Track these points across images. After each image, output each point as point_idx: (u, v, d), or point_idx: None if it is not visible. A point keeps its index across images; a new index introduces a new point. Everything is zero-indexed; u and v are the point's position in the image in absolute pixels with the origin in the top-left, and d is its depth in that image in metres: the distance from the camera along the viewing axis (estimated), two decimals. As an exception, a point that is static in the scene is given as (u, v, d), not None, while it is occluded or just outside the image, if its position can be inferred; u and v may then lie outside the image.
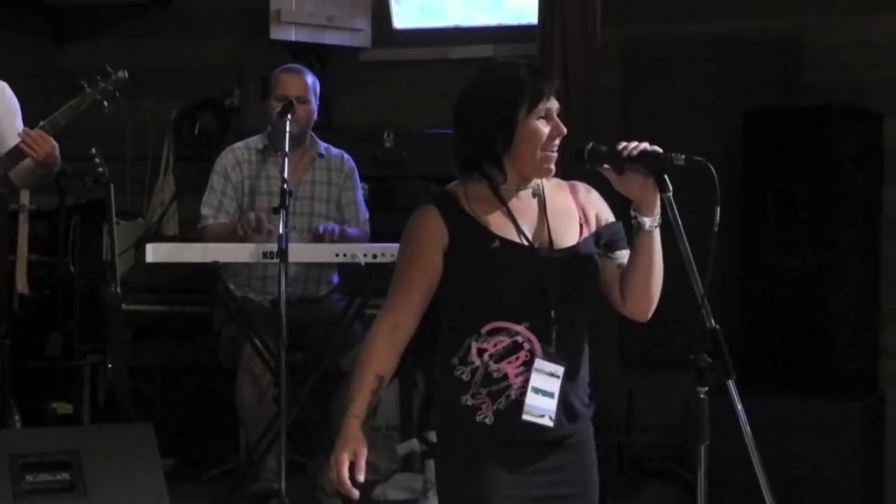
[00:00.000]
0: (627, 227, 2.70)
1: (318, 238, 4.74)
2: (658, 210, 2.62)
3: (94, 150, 4.76)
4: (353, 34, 6.10)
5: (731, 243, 4.97)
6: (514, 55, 5.45)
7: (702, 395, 2.62)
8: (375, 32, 6.18)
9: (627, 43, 5.70)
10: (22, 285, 5.43)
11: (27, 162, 4.23)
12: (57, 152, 4.30)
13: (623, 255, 2.72)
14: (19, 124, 4.37)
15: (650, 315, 2.73)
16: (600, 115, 5.16)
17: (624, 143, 2.62)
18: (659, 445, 5.36)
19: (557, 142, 2.66)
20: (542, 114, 2.64)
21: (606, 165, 2.66)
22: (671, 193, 2.62)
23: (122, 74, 4.35)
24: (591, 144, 2.70)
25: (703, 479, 2.64)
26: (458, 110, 2.69)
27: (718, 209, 2.59)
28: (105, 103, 4.33)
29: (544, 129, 2.64)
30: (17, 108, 4.42)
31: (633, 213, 2.65)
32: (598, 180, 2.74)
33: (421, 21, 6.43)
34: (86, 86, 4.31)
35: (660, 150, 2.62)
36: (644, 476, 5.23)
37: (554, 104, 2.66)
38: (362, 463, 2.61)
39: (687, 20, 5.64)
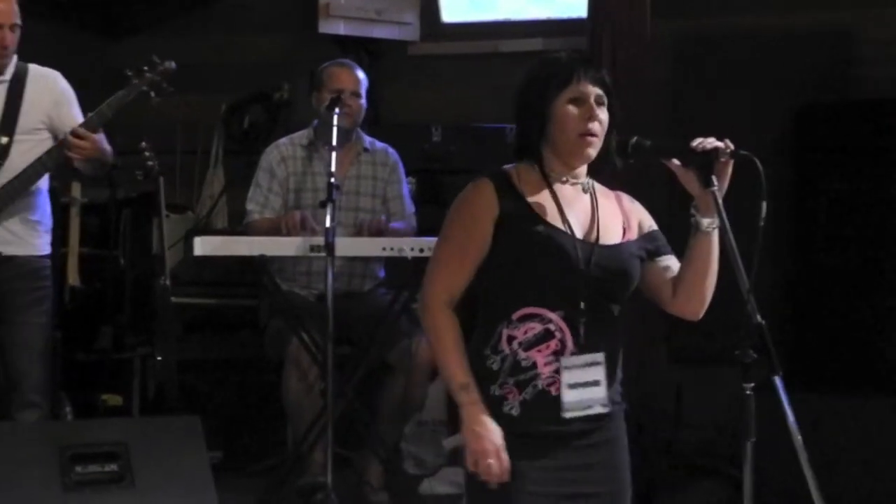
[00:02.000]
0: (686, 225, 2.67)
1: (358, 231, 4.73)
2: (716, 212, 2.58)
3: (144, 144, 4.76)
4: (402, 28, 6.10)
5: (781, 240, 4.92)
6: (564, 48, 5.41)
7: (747, 392, 2.59)
8: (424, 26, 6.18)
9: (677, 36, 5.66)
10: (73, 278, 5.48)
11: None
12: (103, 144, 4.32)
13: (667, 259, 2.73)
14: (77, 113, 4.38)
15: (701, 315, 2.72)
16: (648, 110, 5.12)
17: (699, 139, 2.60)
18: (708, 442, 5.30)
19: (593, 126, 2.63)
20: (573, 96, 2.63)
21: (676, 161, 2.63)
22: (716, 188, 2.59)
23: (170, 65, 4.35)
24: (635, 139, 2.69)
25: (750, 476, 2.62)
26: (514, 102, 2.72)
27: (765, 204, 2.55)
28: (152, 94, 4.34)
29: (573, 111, 2.63)
30: (72, 96, 4.42)
31: (692, 212, 2.64)
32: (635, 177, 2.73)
33: (471, 14, 6.42)
34: (133, 77, 4.32)
35: (732, 145, 2.59)
36: (693, 474, 5.16)
37: (592, 90, 2.64)
38: (503, 449, 2.56)
39: (737, 13, 5.59)
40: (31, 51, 5.20)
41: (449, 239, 2.67)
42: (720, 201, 2.59)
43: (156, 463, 3.91)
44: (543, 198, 2.65)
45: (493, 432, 2.55)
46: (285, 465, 4.77)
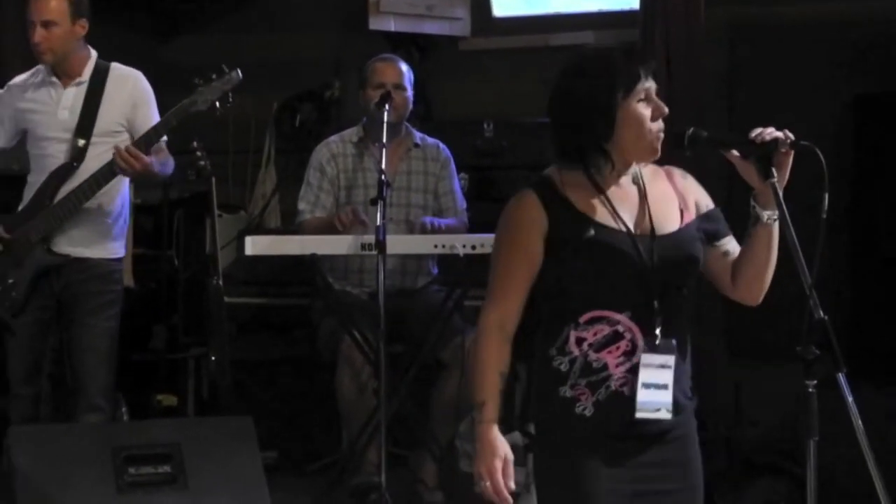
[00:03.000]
0: (745, 215, 2.61)
1: (412, 229, 4.71)
2: (776, 204, 2.52)
3: (195, 144, 4.75)
4: (452, 23, 6.07)
5: (840, 232, 4.82)
6: (616, 41, 5.36)
7: (810, 389, 2.52)
8: (475, 21, 6.14)
9: (732, 25, 5.56)
10: (128, 279, 5.47)
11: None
12: (156, 167, 4.23)
13: (727, 242, 2.66)
14: (154, 114, 4.34)
15: (760, 300, 2.67)
16: (704, 101, 5.05)
17: (758, 130, 2.54)
18: (768, 440, 5.22)
19: (661, 123, 2.59)
20: (641, 95, 2.57)
21: (735, 152, 2.57)
22: (776, 180, 2.52)
23: (236, 75, 4.24)
24: (691, 130, 2.63)
25: (813, 475, 2.55)
26: (553, 99, 2.62)
27: (827, 196, 2.49)
28: (217, 104, 4.24)
29: (645, 111, 2.57)
30: (151, 98, 4.38)
31: (752, 203, 2.58)
32: (691, 168, 2.67)
33: (521, 9, 6.36)
34: (199, 85, 4.23)
35: (792, 136, 2.52)
36: (753, 471, 5.08)
37: (652, 84, 2.59)
38: (511, 470, 2.57)
39: (794, 0, 5.47)
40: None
41: (497, 261, 2.63)
42: (780, 193, 2.53)
43: (209, 464, 3.91)
44: (592, 199, 2.59)
45: (495, 454, 2.55)
46: (339, 465, 4.76)
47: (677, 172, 2.71)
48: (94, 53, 4.39)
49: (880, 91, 5.11)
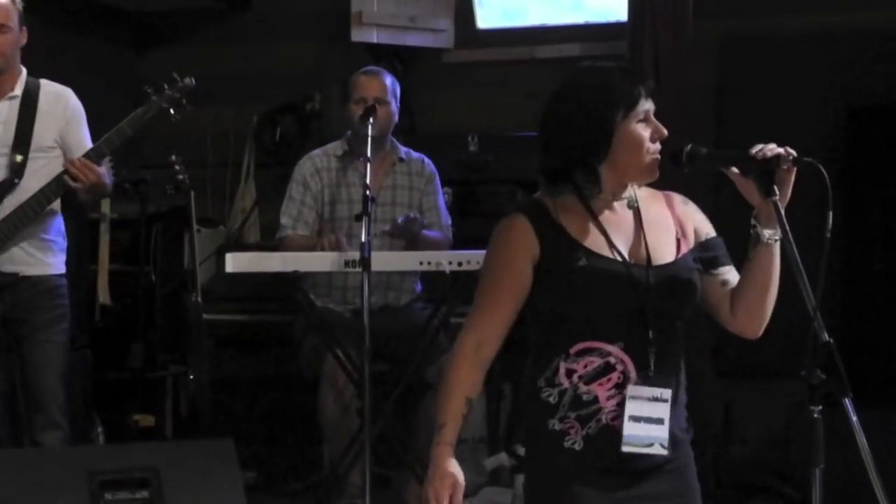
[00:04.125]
0: (746, 237, 2.52)
1: (396, 228, 4.62)
2: (778, 222, 2.44)
3: (174, 157, 4.71)
4: (436, 35, 6.01)
5: (832, 248, 4.74)
6: (602, 53, 5.29)
7: (815, 415, 2.42)
8: (459, 33, 6.09)
9: (721, 37, 5.50)
10: (104, 296, 5.43)
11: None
12: (106, 179, 4.24)
13: (726, 272, 2.58)
14: (86, 133, 4.31)
15: (761, 333, 2.57)
16: (693, 114, 4.99)
17: (759, 146, 2.45)
18: (759, 459, 5.16)
19: (659, 145, 2.51)
20: (641, 116, 2.49)
21: (735, 169, 2.49)
22: (777, 198, 2.45)
23: (189, 81, 4.26)
24: (689, 146, 2.55)
25: (818, 504, 2.44)
26: (546, 118, 2.54)
27: (831, 214, 2.42)
28: (172, 111, 4.25)
29: (644, 132, 2.49)
30: (83, 116, 4.34)
31: (752, 223, 2.50)
32: (689, 188, 2.61)
33: (506, 21, 6.31)
34: (152, 94, 4.23)
35: (794, 152, 2.45)
36: (744, 492, 5.03)
37: (651, 105, 2.51)
38: (460, 497, 2.48)
39: (784, 12, 5.45)
40: (59, 63, 5.13)
41: (483, 283, 2.54)
42: (782, 211, 2.45)
43: (188, 489, 3.81)
44: (585, 225, 2.50)
45: (445, 478, 2.45)
46: (322, 487, 4.69)
47: (678, 198, 2.63)
48: (23, 69, 4.31)
49: (872, 103, 5.05)
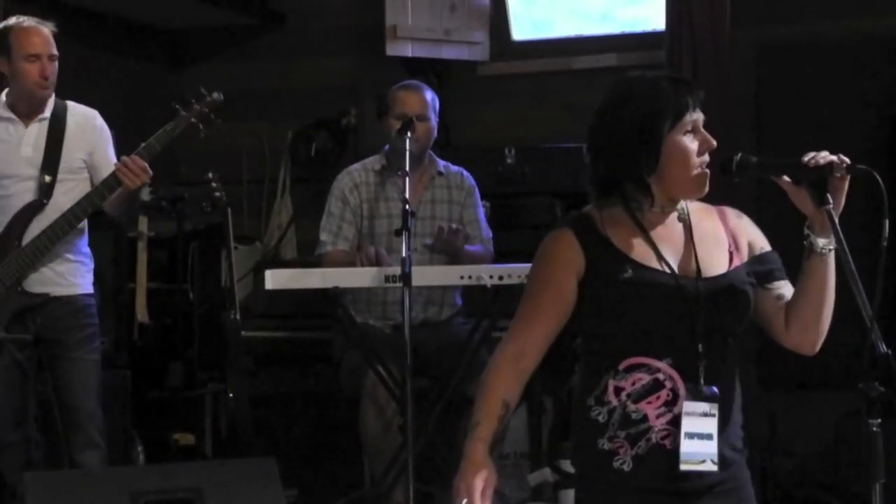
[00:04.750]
0: (800, 248, 2.47)
1: (439, 241, 4.59)
2: (832, 232, 2.39)
3: (210, 175, 4.70)
4: (471, 48, 5.98)
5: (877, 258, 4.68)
6: (640, 63, 5.24)
7: (874, 428, 2.36)
8: (494, 45, 6.06)
9: (760, 45, 5.45)
10: (142, 314, 5.42)
11: (120, 190, 4.20)
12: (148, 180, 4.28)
13: (781, 286, 2.52)
14: (112, 153, 4.34)
15: (818, 348, 2.52)
16: (732, 123, 4.94)
17: (812, 154, 2.41)
18: (806, 472, 5.09)
19: (708, 157, 2.46)
20: (689, 127, 2.44)
21: (786, 178, 2.44)
22: (831, 206, 2.40)
23: (217, 96, 4.28)
24: (739, 155, 2.50)
25: (879, 522, 2.38)
26: (594, 129, 2.50)
27: (887, 222, 2.36)
28: (200, 126, 4.26)
29: (692, 144, 2.44)
30: (109, 136, 4.39)
31: (806, 232, 2.45)
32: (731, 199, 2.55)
33: (542, 32, 6.29)
34: (180, 110, 4.25)
35: (847, 160, 2.40)
36: (791, 505, 4.96)
37: (700, 116, 2.46)
38: (490, 492, 2.43)
39: (822, 19, 5.39)
40: (94, 82, 5.14)
41: (527, 294, 2.51)
42: (836, 220, 2.40)
43: (231, 509, 3.77)
44: (634, 238, 2.46)
45: (478, 472, 2.41)
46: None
47: (731, 212, 2.58)
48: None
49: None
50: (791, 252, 2.54)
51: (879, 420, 2.36)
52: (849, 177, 2.41)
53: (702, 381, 2.39)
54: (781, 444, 5.12)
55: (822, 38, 5.35)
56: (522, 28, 6.27)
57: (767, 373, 5.19)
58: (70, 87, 4.39)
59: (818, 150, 2.42)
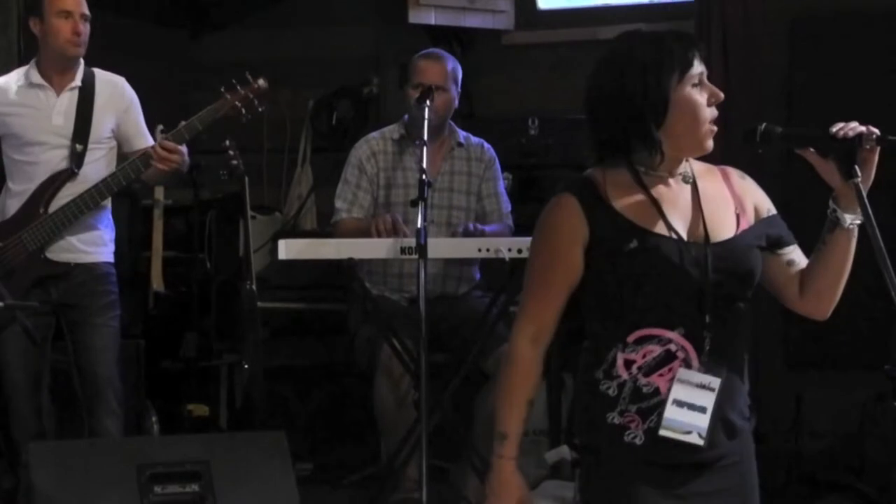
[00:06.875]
0: (816, 222, 2.37)
1: (453, 234, 4.56)
2: (860, 206, 2.30)
3: (228, 143, 4.66)
4: (496, 16, 5.89)
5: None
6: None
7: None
8: (519, 13, 5.98)
9: (792, 16, 5.32)
10: (157, 283, 5.37)
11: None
12: (186, 157, 4.26)
13: (791, 251, 2.44)
14: (142, 120, 4.34)
15: (830, 313, 2.44)
16: (763, 95, 4.83)
17: (840, 125, 2.31)
18: (832, 454, 4.99)
19: (716, 111, 2.38)
20: (696, 80, 2.36)
21: (812, 149, 2.34)
22: (860, 179, 2.30)
23: (263, 83, 4.26)
24: (763, 125, 2.40)
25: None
26: (594, 88, 2.40)
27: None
28: (244, 111, 4.24)
29: (700, 97, 2.36)
30: (138, 104, 4.36)
31: (832, 206, 2.36)
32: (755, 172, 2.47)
33: (567, 0, 6.17)
34: (225, 92, 4.22)
35: (877, 131, 2.31)
36: (816, 488, 4.86)
37: (704, 69, 2.38)
38: None
39: (857, -11, 5.24)
40: (115, 46, 5.08)
41: (532, 271, 2.42)
42: (864, 194, 2.30)
43: (239, 483, 3.73)
44: (640, 202, 2.36)
45: (512, 495, 2.39)
46: (378, 480, 4.60)
47: (734, 173, 2.49)
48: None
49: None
50: (813, 224, 2.44)
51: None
52: (878, 149, 2.32)
53: (706, 352, 2.32)
54: (806, 426, 5.04)
55: (855, 7, 5.23)
56: (553, -3, 6.19)
57: (794, 354, 5.11)
58: (91, 53, 4.34)
59: (855, 120, 2.33)
